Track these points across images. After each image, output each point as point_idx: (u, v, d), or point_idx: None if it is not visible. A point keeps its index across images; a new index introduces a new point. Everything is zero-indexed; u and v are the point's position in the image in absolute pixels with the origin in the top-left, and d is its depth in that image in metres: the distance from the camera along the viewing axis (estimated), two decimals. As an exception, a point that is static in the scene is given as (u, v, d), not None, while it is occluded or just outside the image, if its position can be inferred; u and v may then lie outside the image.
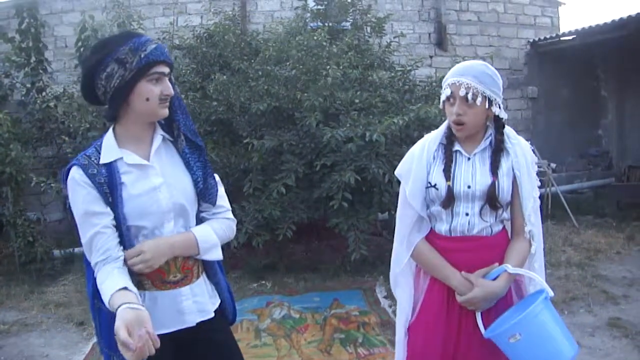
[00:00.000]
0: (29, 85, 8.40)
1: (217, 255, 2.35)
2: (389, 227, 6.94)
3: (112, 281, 2.00)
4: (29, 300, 6.30)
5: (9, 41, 8.42)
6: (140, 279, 2.17)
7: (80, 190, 2.11)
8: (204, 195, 2.31)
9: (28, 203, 7.92)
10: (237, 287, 6.41)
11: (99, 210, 2.10)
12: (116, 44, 2.12)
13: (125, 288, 1.96)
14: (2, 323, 5.64)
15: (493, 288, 2.42)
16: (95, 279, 2.10)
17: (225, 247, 6.52)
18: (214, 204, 2.36)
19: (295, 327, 5.31)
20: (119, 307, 1.88)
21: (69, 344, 5.19)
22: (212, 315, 2.35)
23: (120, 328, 1.80)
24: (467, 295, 2.43)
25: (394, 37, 8.18)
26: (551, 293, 2.38)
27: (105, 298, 1.97)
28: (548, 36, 11.31)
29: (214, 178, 2.38)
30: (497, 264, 2.48)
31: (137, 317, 1.86)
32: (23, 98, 8.49)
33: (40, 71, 8.48)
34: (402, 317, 2.70)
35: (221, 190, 2.42)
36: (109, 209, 2.11)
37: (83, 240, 2.12)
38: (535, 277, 2.48)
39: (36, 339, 5.30)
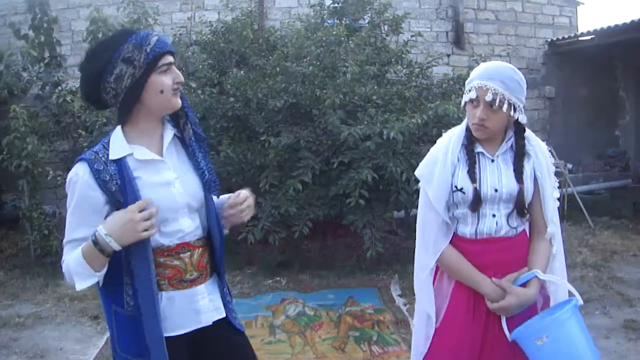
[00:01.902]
0: (44, 80, 8.41)
1: None
2: (405, 225, 6.92)
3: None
4: (44, 294, 6.32)
5: (21, 38, 8.45)
6: (157, 280, 2.14)
7: (76, 192, 2.09)
8: (210, 185, 2.28)
9: (44, 196, 7.96)
10: (252, 283, 6.45)
11: (89, 222, 2.11)
12: (116, 44, 2.08)
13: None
14: (17, 316, 5.66)
15: (527, 296, 2.40)
16: (102, 286, 2.17)
17: (242, 243, 6.52)
18: (217, 194, 2.38)
19: (310, 324, 5.31)
20: (96, 233, 2.03)
21: (83, 337, 5.21)
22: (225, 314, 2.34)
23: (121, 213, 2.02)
24: (501, 304, 2.39)
25: (411, 36, 8.15)
26: (580, 301, 2.35)
27: (78, 258, 2.09)
28: (566, 36, 11.21)
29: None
30: (526, 268, 2.46)
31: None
32: (40, 92, 8.51)
33: (55, 67, 8.51)
34: (423, 321, 2.62)
35: None
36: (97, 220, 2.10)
37: (66, 236, 2.21)
38: (566, 284, 2.47)
39: (51, 332, 5.33)
